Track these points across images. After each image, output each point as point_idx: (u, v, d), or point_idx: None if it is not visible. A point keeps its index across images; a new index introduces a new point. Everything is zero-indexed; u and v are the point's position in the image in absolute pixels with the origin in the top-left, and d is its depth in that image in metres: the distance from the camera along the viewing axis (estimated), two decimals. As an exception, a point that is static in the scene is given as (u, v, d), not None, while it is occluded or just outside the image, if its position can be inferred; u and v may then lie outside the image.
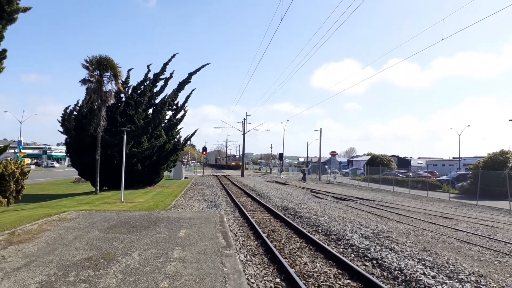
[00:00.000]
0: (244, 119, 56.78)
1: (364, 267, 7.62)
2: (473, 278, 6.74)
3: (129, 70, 27.96)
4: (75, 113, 24.82)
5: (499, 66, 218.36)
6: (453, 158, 72.43)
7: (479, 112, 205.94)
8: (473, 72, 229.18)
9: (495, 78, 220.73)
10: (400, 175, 43.61)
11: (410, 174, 44.50)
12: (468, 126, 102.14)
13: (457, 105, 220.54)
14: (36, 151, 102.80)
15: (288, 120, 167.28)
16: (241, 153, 68.31)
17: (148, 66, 27.65)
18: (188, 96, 29.76)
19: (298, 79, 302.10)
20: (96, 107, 22.77)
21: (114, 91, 22.90)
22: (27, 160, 74.61)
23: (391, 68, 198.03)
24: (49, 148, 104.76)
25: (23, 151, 64.89)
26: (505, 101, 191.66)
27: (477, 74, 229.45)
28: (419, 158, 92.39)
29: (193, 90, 30.35)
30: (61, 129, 24.56)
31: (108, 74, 21.87)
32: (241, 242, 9.54)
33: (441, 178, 40.21)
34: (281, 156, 69.64)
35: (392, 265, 7.49)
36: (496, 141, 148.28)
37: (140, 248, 7.45)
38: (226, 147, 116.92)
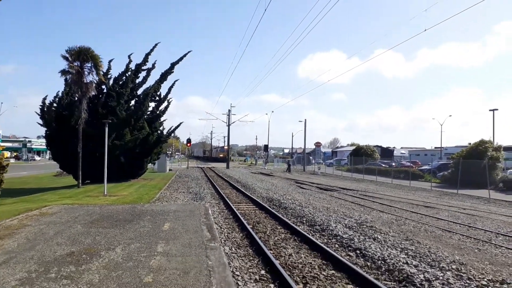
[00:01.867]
0: (229, 110, 56.64)
1: (348, 257, 7.71)
2: (454, 266, 6.89)
3: (110, 61, 27.41)
4: (55, 105, 24.30)
5: (482, 56, 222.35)
6: (435, 147, 73.78)
7: (462, 101, 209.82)
8: (457, 62, 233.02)
9: (478, 68, 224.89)
10: (383, 165, 44.21)
11: (393, 164, 45.13)
12: (450, 116, 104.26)
13: (440, 95, 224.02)
14: (15, 144, 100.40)
15: (273, 111, 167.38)
16: (226, 144, 68.17)
17: (129, 56, 27.19)
18: (171, 87, 29.37)
19: (284, 69, 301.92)
20: (76, 98, 22.35)
21: (95, 82, 22.47)
22: (6, 154, 72.92)
23: (377, 58, 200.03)
24: (29, 141, 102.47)
25: (1, 144, 63.49)
26: (487, 90, 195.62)
27: (460, 64, 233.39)
28: (402, 148, 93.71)
29: (176, 80, 29.83)
30: (41, 121, 24.04)
31: (89, 65, 21.44)
32: (226, 234, 9.54)
33: (423, 167, 40.89)
34: (266, 147, 69.89)
35: (376, 255, 7.60)
36: (478, 130, 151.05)
37: (124, 243, 7.37)
38: (211, 139, 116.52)
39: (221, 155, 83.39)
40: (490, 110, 44.60)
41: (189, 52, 28.67)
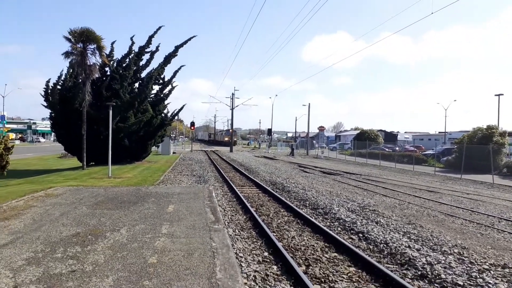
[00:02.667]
0: (233, 94, 56.36)
1: (350, 240, 7.76)
2: (456, 250, 6.93)
3: (112, 43, 27.30)
4: (59, 87, 24.24)
5: (487, 40, 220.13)
6: (439, 132, 73.47)
7: (466, 86, 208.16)
8: (463, 46, 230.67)
9: (484, 52, 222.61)
10: (387, 150, 44.08)
11: (397, 148, 45.04)
12: (455, 100, 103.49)
13: (444, 79, 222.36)
14: (20, 126, 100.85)
15: (276, 95, 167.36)
16: (230, 128, 68.14)
17: (131, 38, 26.89)
18: (177, 71, 29.20)
19: (290, 52, 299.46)
20: (80, 80, 22.26)
21: (99, 64, 22.36)
22: (12, 135, 73.33)
23: (383, 42, 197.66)
24: (34, 123, 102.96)
25: (7, 126, 63.67)
26: (492, 75, 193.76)
27: (466, 48, 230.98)
28: (405, 132, 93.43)
29: (182, 66, 29.70)
30: (45, 103, 24.04)
31: (92, 46, 21.29)
32: (229, 216, 9.61)
33: (427, 152, 40.77)
34: (269, 131, 69.78)
35: (378, 239, 7.64)
36: (482, 115, 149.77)
37: (128, 224, 7.44)
38: (215, 122, 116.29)
39: (226, 139, 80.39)
40: (495, 95, 44.20)
41: (193, 37, 28.28)
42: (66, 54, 20.90)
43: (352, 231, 8.44)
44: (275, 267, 6.01)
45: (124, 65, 26.14)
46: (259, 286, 5.23)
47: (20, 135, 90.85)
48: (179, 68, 29.42)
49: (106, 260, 5.30)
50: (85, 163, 21.56)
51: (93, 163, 24.62)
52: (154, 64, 32.08)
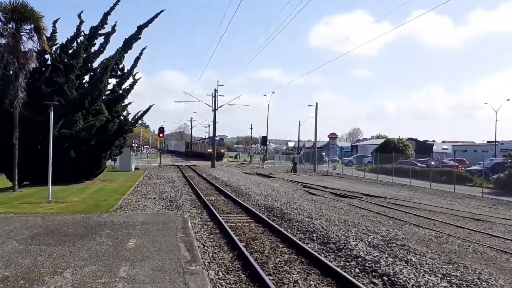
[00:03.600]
0: (215, 90, 56.59)
1: (372, 285, 7.75)
2: (511, 298, 6.95)
3: (55, 22, 26.67)
4: (-18, 80, 24.11)
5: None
6: (488, 142, 74.25)
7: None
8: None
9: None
10: (419, 164, 44.36)
11: (432, 163, 45.29)
12: (508, 100, 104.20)
13: (496, 72, 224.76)
14: None
15: (273, 92, 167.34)
16: (212, 135, 68.06)
17: (79, 15, 26.57)
18: (138, 58, 29.22)
19: (291, 36, 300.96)
20: (11, 72, 22.16)
21: (37, 50, 22.28)
22: None
23: (414, 22, 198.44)
24: None
25: None
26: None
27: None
28: (443, 142, 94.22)
29: (144, 48, 29.56)
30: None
31: (28, 27, 21.22)
32: (211, 255, 9.56)
33: (472, 168, 41.05)
34: (264, 139, 69.84)
35: (409, 283, 7.64)
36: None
37: (75, 265, 7.37)
38: (191, 128, 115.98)
39: (209, 150, 71.47)
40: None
41: (162, 11, 28.14)
42: (-7, 37, 20.82)
43: (374, 273, 8.43)
44: (271, 322, 5.97)
45: (70, 51, 26.09)
46: None
47: None
48: (141, 53, 29.39)
49: (44, 313, 5.23)
50: (17, 182, 21.35)
51: (28, 182, 24.44)
52: (111, 50, 32.11)
